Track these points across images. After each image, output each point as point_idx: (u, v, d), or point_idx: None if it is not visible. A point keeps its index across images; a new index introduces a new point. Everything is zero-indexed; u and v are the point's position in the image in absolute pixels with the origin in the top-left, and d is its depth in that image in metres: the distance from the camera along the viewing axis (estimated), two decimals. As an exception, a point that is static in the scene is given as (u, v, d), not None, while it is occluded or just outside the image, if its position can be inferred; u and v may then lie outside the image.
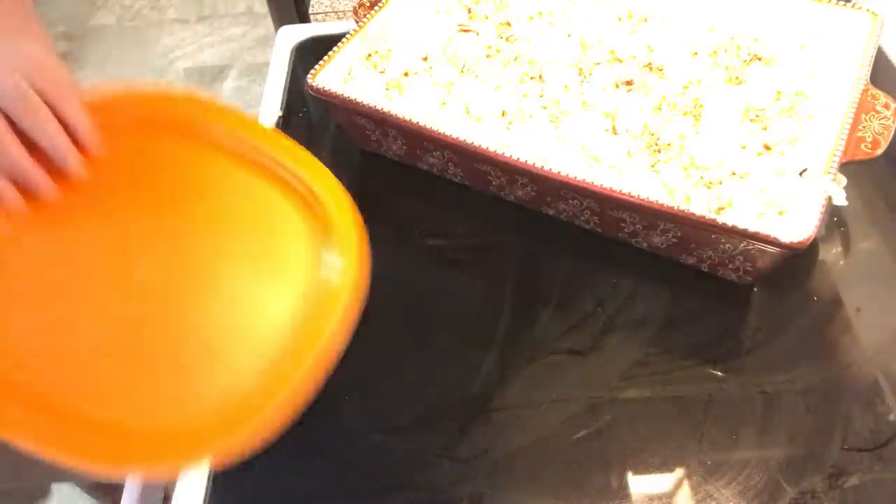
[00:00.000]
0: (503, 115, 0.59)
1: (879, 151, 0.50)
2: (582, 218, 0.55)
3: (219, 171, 0.51)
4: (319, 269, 0.46)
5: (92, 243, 0.47)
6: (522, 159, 0.52)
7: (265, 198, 0.50)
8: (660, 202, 0.48)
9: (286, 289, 0.46)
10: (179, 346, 0.44)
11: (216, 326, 0.45)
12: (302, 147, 0.51)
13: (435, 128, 0.55)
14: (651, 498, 0.44)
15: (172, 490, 0.47)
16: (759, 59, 0.59)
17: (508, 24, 0.67)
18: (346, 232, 0.47)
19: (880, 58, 0.61)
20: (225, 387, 0.42)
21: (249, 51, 2.05)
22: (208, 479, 0.47)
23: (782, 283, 0.53)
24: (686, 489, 0.44)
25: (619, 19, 0.65)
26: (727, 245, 0.48)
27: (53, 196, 0.46)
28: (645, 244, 0.54)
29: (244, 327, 0.45)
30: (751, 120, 0.56)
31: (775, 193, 0.50)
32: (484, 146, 0.53)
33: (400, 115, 0.56)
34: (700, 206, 0.51)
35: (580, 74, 0.61)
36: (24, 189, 0.45)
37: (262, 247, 0.49)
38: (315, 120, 0.71)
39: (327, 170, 0.50)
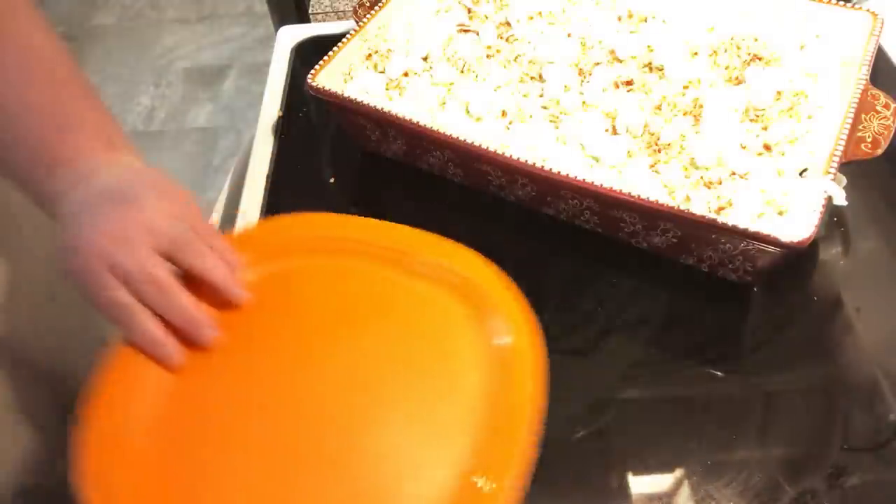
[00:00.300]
0: (503, 115, 0.59)
1: (879, 151, 0.50)
2: (582, 218, 0.55)
3: (369, 278, 0.50)
4: (491, 355, 0.44)
5: (258, 376, 0.46)
6: (522, 159, 0.52)
7: (418, 296, 0.48)
8: (660, 202, 0.48)
9: (465, 384, 0.44)
10: (362, 476, 0.42)
11: (402, 445, 0.43)
12: (440, 237, 0.50)
13: (435, 128, 0.55)
14: (651, 498, 0.44)
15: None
16: (759, 59, 0.59)
17: (508, 23, 0.67)
18: (509, 309, 0.46)
19: (880, 58, 0.61)
20: None
21: (249, 51, 2.05)
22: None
23: (782, 282, 0.53)
24: (686, 489, 0.44)
25: (620, 19, 0.65)
26: (727, 245, 0.48)
27: (217, 337, 0.45)
28: (645, 244, 0.54)
29: (427, 444, 0.42)
30: (751, 120, 0.56)
31: (775, 193, 0.50)
32: (484, 146, 0.53)
33: (400, 115, 0.56)
34: (700, 205, 0.51)
35: (580, 74, 0.61)
36: (189, 336, 0.44)
37: (429, 348, 0.46)
38: (315, 120, 0.71)
39: (471, 250, 0.49)
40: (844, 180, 0.50)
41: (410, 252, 0.50)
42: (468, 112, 0.60)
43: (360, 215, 0.56)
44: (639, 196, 0.49)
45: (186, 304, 0.43)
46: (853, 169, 0.51)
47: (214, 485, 0.42)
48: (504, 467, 0.40)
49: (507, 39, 0.65)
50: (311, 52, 0.74)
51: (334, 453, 0.42)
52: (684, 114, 0.57)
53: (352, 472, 0.42)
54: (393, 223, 0.51)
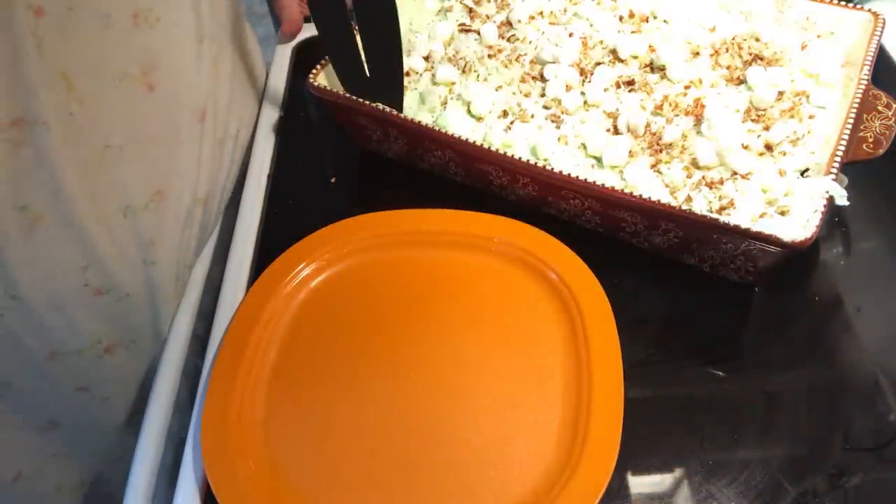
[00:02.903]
0: (505, 114, 0.59)
1: (881, 151, 0.50)
2: (583, 218, 0.55)
3: (458, 264, 0.54)
4: (573, 335, 0.49)
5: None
6: (524, 159, 0.52)
7: (506, 276, 0.53)
8: (661, 202, 0.48)
9: (551, 361, 0.48)
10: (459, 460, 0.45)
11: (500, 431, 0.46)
12: (511, 220, 0.54)
13: (436, 127, 0.55)
14: (652, 498, 0.44)
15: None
16: (761, 59, 0.59)
17: (510, 23, 0.67)
18: (584, 286, 0.50)
19: (882, 58, 0.61)
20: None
21: (250, 50, 2.05)
22: None
23: (783, 282, 0.53)
24: (687, 489, 0.44)
25: (621, 19, 0.65)
26: (728, 245, 0.48)
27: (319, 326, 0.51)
28: (646, 244, 0.54)
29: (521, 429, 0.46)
30: (752, 120, 0.56)
31: (777, 193, 0.50)
32: (485, 146, 0.53)
33: (401, 115, 0.56)
34: (702, 206, 0.51)
35: (582, 74, 0.61)
36: None
37: (520, 324, 0.50)
38: (315, 120, 0.71)
39: (541, 231, 0.54)
40: (846, 180, 0.50)
41: (488, 236, 0.54)
42: (470, 112, 0.60)
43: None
44: (640, 196, 0.49)
45: None
46: (854, 169, 0.51)
47: (323, 456, 0.45)
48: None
49: (508, 39, 0.65)
50: (312, 52, 0.74)
51: (437, 423, 0.46)
52: (686, 114, 0.57)
53: (457, 439, 0.45)
54: (467, 212, 0.55)
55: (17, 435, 0.57)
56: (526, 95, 0.60)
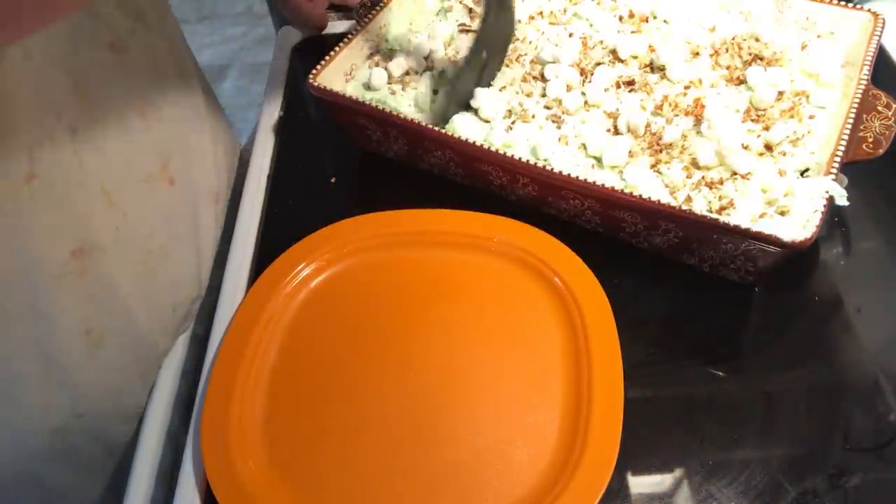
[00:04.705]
0: (509, 114, 0.59)
1: (881, 152, 0.50)
2: (583, 218, 0.55)
3: (457, 263, 0.54)
4: (572, 334, 0.49)
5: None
6: (524, 159, 0.52)
7: (506, 276, 0.53)
8: (661, 202, 0.48)
9: (550, 361, 0.48)
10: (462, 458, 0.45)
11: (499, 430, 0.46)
12: (512, 220, 0.54)
13: (436, 128, 0.55)
14: (652, 498, 0.44)
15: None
16: (761, 59, 0.59)
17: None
18: (583, 285, 0.50)
19: (882, 58, 0.61)
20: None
21: (249, 51, 2.05)
22: None
23: (783, 282, 0.53)
24: (687, 489, 0.44)
25: (621, 19, 0.65)
26: (728, 245, 0.48)
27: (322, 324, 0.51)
28: (646, 244, 0.54)
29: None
30: (752, 120, 0.56)
31: (777, 193, 0.50)
32: (485, 146, 0.53)
33: (401, 115, 0.56)
34: (701, 206, 0.51)
35: (582, 74, 0.61)
36: None
37: (520, 325, 0.50)
38: (315, 120, 0.71)
39: (541, 231, 0.54)
40: (846, 180, 0.50)
41: (488, 236, 0.54)
42: (478, 115, 0.60)
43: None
44: (640, 196, 0.49)
45: None
46: (854, 168, 0.51)
47: (323, 457, 0.45)
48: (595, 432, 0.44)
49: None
50: (312, 52, 0.74)
51: (437, 423, 0.46)
52: (686, 114, 0.57)
53: (457, 438, 0.45)
54: (467, 212, 0.55)
55: None
56: (528, 95, 0.60)
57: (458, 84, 0.59)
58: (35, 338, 0.45)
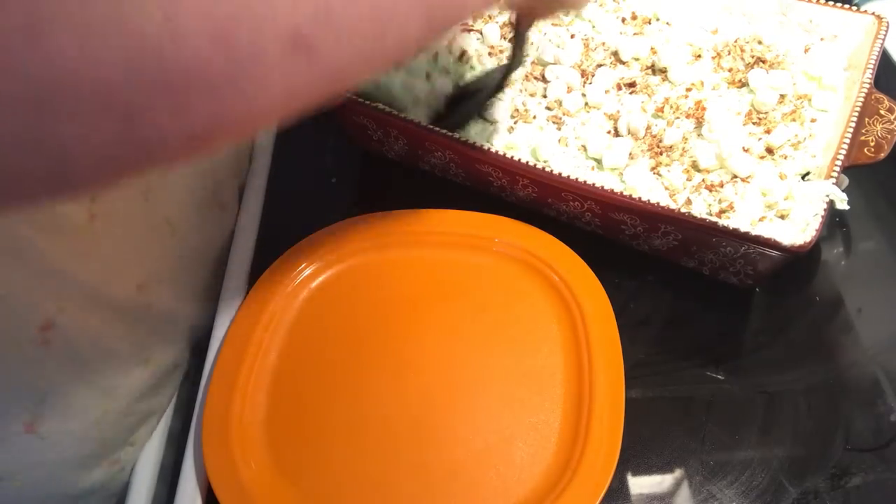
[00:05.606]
0: (513, 115, 0.59)
1: (883, 156, 0.50)
2: (583, 220, 0.55)
3: (459, 263, 0.54)
4: (572, 331, 0.49)
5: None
6: (523, 160, 0.52)
7: (506, 275, 0.53)
8: (661, 205, 0.48)
9: (551, 358, 0.48)
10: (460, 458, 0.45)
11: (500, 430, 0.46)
12: (513, 220, 0.55)
13: (437, 128, 0.55)
14: (652, 498, 0.44)
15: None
16: (763, 62, 0.59)
17: (511, 24, 0.67)
18: (584, 284, 0.51)
19: (885, 61, 0.61)
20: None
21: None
22: None
23: (784, 283, 0.54)
24: (688, 489, 0.44)
25: (623, 21, 0.65)
26: (728, 248, 0.48)
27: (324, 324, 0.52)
28: (646, 247, 0.54)
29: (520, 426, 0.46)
30: (754, 123, 0.56)
31: (777, 197, 0.50)
32: (485, 147, 0.53)
33: (402, 116, 0.56)
34: (701, 208, 0.51)
35: (583, 76, 0.61)
36: None
37: (520, 324, 0.50)
38: (315, 120, 0.71)
39: (542, 231, 0.54)
40: (847, 181, 0.50)
41: (489, 236, 0.55)
42: (485, 119, 0.60)
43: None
44: (639, 199, 0.49)
45: None
46: (856, 169, 0.51)
47: (324, 457, 0.45)
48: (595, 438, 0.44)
49: (509, 40, 0.65)
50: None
51: (438, 423, 0.46)
52: (687, 116, 0.57)
53: (457, 440, 0.45)
54: (468, 212, 0.56)
55: None
56: (531, 95, 0.60)
57: (481, 96, 0.59)
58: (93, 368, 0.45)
